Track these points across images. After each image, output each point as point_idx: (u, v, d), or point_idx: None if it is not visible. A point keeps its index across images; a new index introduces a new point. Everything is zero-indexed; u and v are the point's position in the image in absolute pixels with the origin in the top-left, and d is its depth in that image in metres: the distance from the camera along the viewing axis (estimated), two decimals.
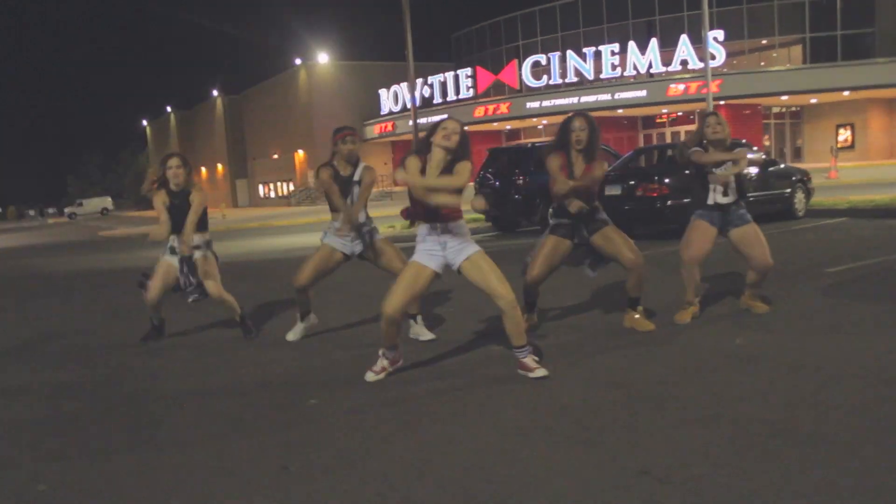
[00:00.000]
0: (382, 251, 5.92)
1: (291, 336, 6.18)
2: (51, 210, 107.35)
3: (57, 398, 4.98)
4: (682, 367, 4.63)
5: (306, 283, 5.90)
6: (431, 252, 4.63)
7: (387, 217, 18.61)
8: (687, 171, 6.31)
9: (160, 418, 4.36)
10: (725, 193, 5.83)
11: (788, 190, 13.42)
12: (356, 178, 5.88)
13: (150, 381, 5.26)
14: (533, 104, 38.32)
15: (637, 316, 5.70)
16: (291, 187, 52.12)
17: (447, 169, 4.55)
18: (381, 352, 4.78)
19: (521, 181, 15.10)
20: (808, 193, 13.96)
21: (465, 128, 4.67)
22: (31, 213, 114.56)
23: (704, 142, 5.85)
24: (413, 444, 3.62)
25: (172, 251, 6.28)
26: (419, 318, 5.97)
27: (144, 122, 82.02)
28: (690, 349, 5.06)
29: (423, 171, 4.54)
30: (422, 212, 4.58)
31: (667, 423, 3.65)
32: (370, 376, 4.74)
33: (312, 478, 3.31)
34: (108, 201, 79.48)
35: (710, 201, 5.86)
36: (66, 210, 78.40)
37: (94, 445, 3.95)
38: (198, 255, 6.23)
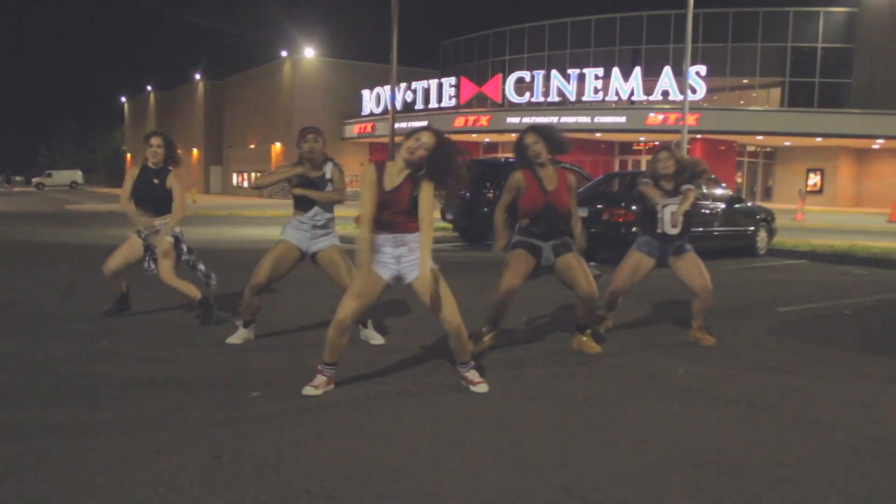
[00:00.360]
0: (333, 261, 5.71)
1: (234, 340, 5.80)
2: (18, 178, 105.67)
3: None
4: (621, 392, 4.71)
5: (264, 281, 5.64)
6: (386, 263, 4.50)
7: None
8: (633, 206, 6.42)
9: (98, 398, 4.34)
10: (674, 225, 6.02)
11: (752, 228, 13.67)
12: (327, 176, 5.69)
13: (94, 362, 5.23)
14: (513, 119, 38.53)
15: (585, 339, 5.74)
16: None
17: (410, 182, 4.39)
18: (320, 367, 4.55)
19: (491, 195, 15.19)
20: (771, 233, 14.22)
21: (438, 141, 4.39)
22: None
23: (656, 176, 6.14)
24: (345, 446, 3.64)
25: (138, 232, 6.42)
26: (370, 322, 5.95)
27: (123, 99, 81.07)
28: (633, 374, 5.14)
29: (378, 182, 4.39)
30: (379, 221, 4.44)
31: (598, 445, 3.71)
32: (308, 390, 4.46)
33: (242, 468, 3.32)
34: (77, 175, 78.42)
35: (659, 230, 6.08)
36: (35, 180, 77.21)
37: (25, 419, 3.93)
38: (159, 237, 6.39)
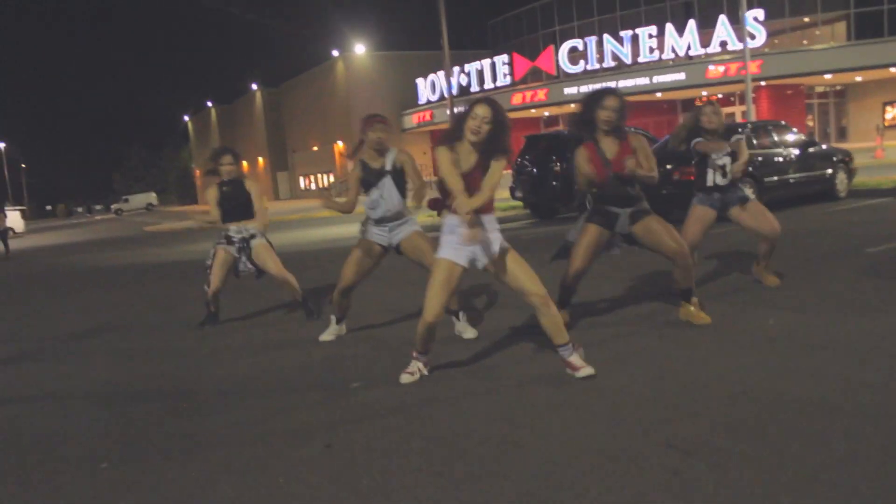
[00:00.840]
0: (417, 246, 5.70)
1: (326, 337, 6.00)
2: (98, 206, 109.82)
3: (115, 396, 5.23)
4: (716, 348, 4.70)
5: (350, 283, 5.76)
6: (459, 246, 4.36)
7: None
8: (693, 161, 6.35)
9: (212, 403, 4.58)
10: (724, 175, 6.13)
11: (830, 171, 13.27)
12: (388, 167, 5.64)
13: (202, 366, 5.50)
14: (571, 90, 38.02)
15: (692, 308, 5.42)
16: (332, 178, 52.59)
17: (482, 161, 4.32)
18: (414, 354, 4.62)
19: (558, 167, 15.13)
20: (850, 174, 13.77)
21: (494, 112, 4.27)
22: (80, 209, 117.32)
23: (702, 131, 6.20)
24: (446, 429, 3.76)
25: (229, 240, 6.83)
26: (461, 314, 5.80)
27: (186, 118, 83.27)
28: (729, 329, 5.12)
29: (455, 163, 4.30)
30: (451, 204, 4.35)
31: (697, 400, 3.74)
32: (405, 378, 4.53)
33: (353, 455, 3.47)
34: (152, 196, 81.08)
35: (709, 183, 6.19)
36: (113, 206, 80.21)
37: (148, 424, 4.18)
38: (255, 242, 6.85)
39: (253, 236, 6.85)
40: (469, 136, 4.29)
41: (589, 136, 5.30)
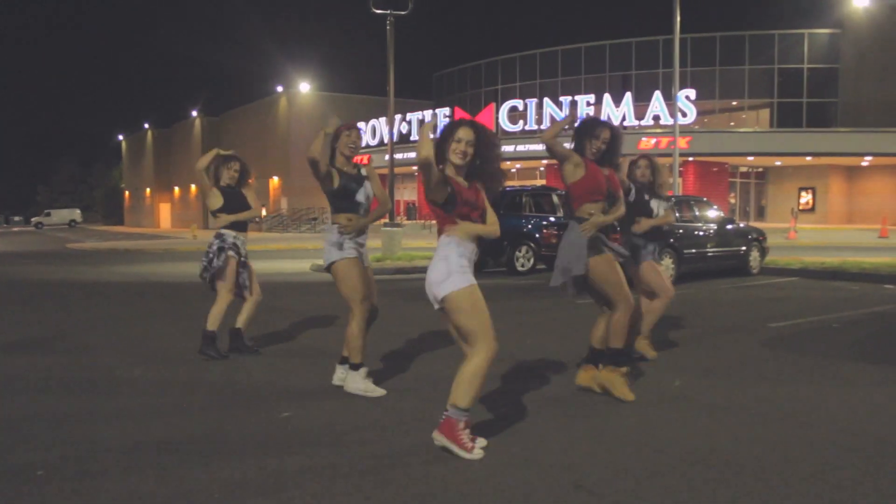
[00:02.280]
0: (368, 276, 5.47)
1: (377, 392, 5.28)
2: (17, 218, 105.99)
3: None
4: (622, 403, 5.06)
5: (368, 309, 5.40)
6: (468, 270, 4.06)
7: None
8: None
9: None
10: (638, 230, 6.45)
11: (744, 248, 14.11)
12: (363, 172, 5.51)
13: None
14: (508, 147, 39.02)
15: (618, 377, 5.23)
16: (264, 213, 52.30)
17: (472, 183, 4.11)
18: (464, 419, 3.97)
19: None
20: (763, 252, 14.64)
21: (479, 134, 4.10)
22: None
23: (631, 185, 6.42)
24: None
25: (236, 249, 6.73)
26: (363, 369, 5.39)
27: (120, 137, 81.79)
28: (635, 387, 5.50)
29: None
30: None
31: (603, 448, 4.07)
32: (478, 453, 3.95)
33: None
34: (76, 213, 78.86)
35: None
36: (33, 220, 77.65)
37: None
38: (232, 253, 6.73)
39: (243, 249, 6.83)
40: (455, 160, 4.07)
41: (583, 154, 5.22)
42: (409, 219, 42.77)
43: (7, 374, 6.08)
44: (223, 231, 6.77)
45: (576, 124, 5.32)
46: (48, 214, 78.20)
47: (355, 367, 5.30)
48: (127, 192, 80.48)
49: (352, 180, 5.42)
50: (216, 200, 6.80)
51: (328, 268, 5.38)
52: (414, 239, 26.96)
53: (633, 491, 3.48)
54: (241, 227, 6.87)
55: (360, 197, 5.42)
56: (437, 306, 4.07)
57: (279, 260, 19.58)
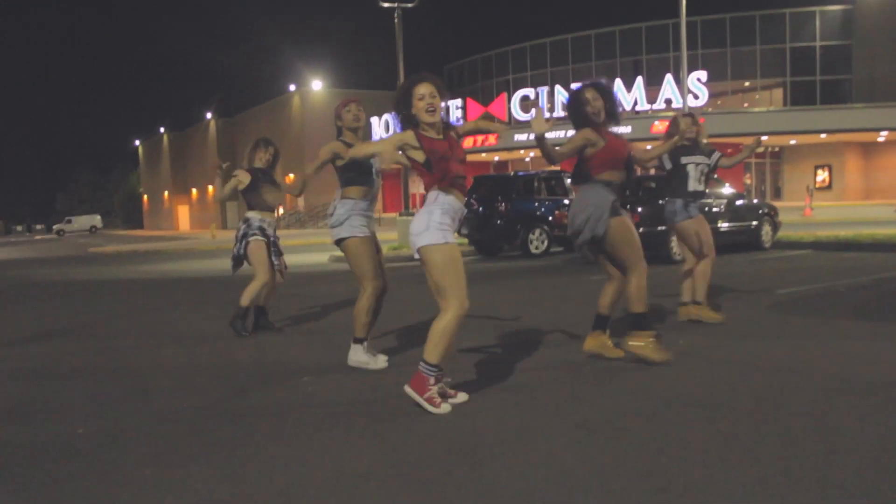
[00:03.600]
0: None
1: (380, 364, 5.40)
2: (38, 226, 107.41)
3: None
4: (634, 358, 5.26)
5: (379, 284, 5.47)
6: (448, 229, 4.15)
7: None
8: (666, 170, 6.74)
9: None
10: (699, 182, 6.65)
11: (755, 222, 14.20)
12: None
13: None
14: (521, 136, 39.17)
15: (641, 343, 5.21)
16: (281, 210, 52.77)
17: (449, 135, 4.28)
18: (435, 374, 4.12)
19: (503, 207, 15.83)
20: (775, 226, 14.72)
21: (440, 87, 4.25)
22: (19, 228, 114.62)
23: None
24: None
25: (263, 231, 6.96)
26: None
27: (137, 142, 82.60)
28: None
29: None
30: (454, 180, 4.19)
31: (609, 391, 4.29)
32: (445, 408, 4.10)
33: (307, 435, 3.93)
34: (96, 219, 79.73)
35: (690, 188, 6.66)
36: (55, 227, 78.62)
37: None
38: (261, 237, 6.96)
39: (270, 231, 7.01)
40: (426, 118, 4.17)
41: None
42: None
43: (34, 361, 6.37)
44: (249, 215, 7.01)
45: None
46: (69, 221, 79.16)
47: (358, 341, 5.40)
48: (145, 196, 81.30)
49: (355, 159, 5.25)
50: (244, 178, 6.97)
51: (338, 242, 5.43)
52: None
53: (629, 428, 3.69)
54: (267, 209, 7.05)
55: (372, 172, 5.44)
56: (416, 256, 4.20)
57: (299, 253, 19.88)
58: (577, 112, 5.20)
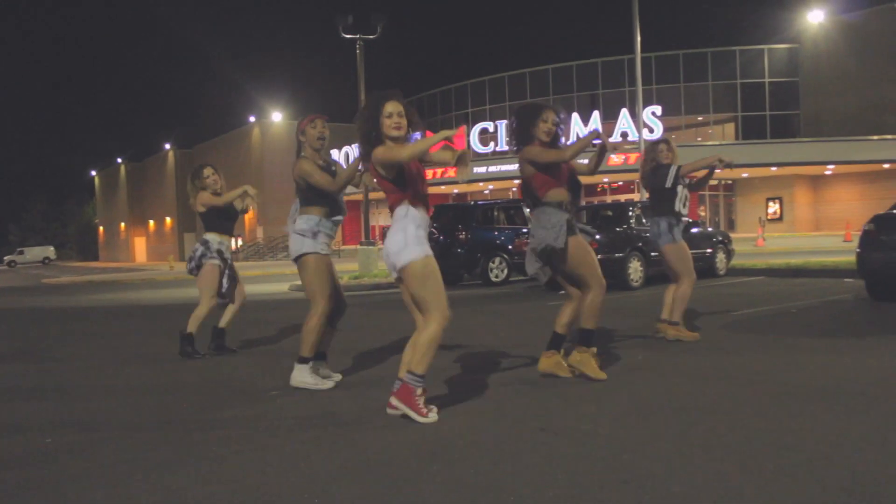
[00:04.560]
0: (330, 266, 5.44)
1: (327, 384, 5.30)
2: None
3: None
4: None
5: (330, 301, 5.38)
6: (423, 240, 4.27)
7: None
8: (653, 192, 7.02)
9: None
10: (684, 205, 6.87)
11: (710, 250, 14.57)
12: (333, 168, 5.46)
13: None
14: (480, 169, 39.67)
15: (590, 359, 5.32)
16: (240, 242, 52.39)
17: None
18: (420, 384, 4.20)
19: (463, 236, 16.03)
20: (729, 254, 15.12)
21: (405, 105, 4.36)
22: None
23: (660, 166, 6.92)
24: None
25: (220, 255, 6.90)
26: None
27: (93, 173, 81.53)
28: (604, 361, 5.86)
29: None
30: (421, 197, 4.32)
31: (565, 400, 4.43)
32: (433, 417, 4.16)
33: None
34: (50, 250, 78.18)
35: (677, 208, 6.87)
36: (6, 258, 76.86)
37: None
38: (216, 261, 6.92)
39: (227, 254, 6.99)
40: (392, 133, 4.25)
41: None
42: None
43: None
44: (208, 237, 6.97)
45: (596, 140, 5.19)
46: (21, 253, 77.46)
47: (304, 361, 5.25)
48: (101, 228, 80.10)
49: (331, 172, 5.34)
50: (252, 190, 6.94)
51: (297, 258, 5.31)
52: None
53: (592, 431, 3.85)
54: (227, 231, 7.05)
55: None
56: (394, 275, 4.27)
57: (259, 283, 19.83)
58: (528, 123, 5.20)
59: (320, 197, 5.32)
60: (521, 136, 5.25)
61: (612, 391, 4.79)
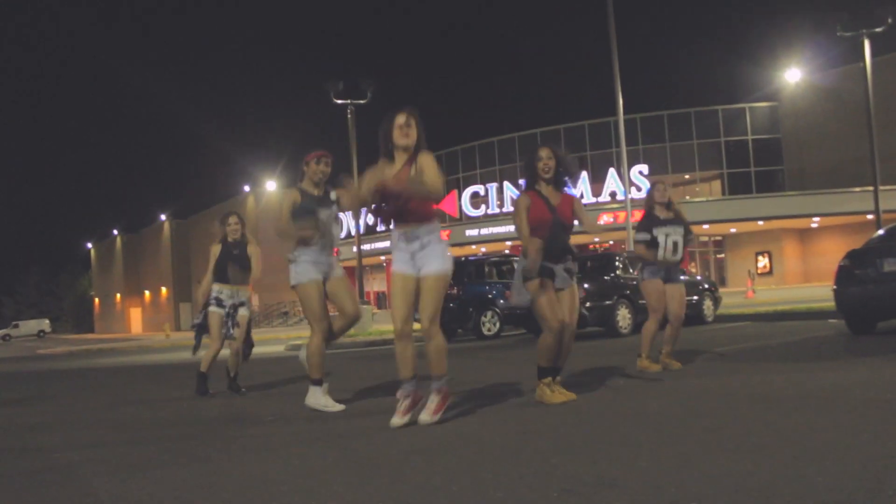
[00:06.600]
0: (346, 285, 5.76)
1: (336, 406, 5.54)
2: None
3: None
4: (586, 402, 5.68)
5: (325, 321, 5.62)
6: (405, 261, 4.68)
7: None
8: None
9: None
10: (674, 252, 7.06)
11: (696, 297, 14.90)
12: (333, 197, 5.74)
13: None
14: (472, 232, 40.25)
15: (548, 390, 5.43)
16: None
17: (411, 160, 4.71)
18: (398, 394, 4.69)
19: (455, 291, 16.33)
20: (716, 301, 15.46)
21: (416, 118, 4.73)
22: None
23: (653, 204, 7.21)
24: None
25: (220, 303, 7.25)
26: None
27: (89, 245, 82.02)
28: (594, 388, 6.13)
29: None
30: (386, 211, 4.70)
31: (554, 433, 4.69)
32: (396, 421, 4.56)
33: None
34: (45, 323, 77.93)
35: (659, 257, 7.03)
36: (1, 332, 76.61)
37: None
38: (241, 311, 7.31)
39: (242, 304, 7.31)
40: (400, 141, 4.72)
41: (531, 186, 5.54)
42: (379, 308, 43.27)
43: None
44: (212, 286, 7.35)
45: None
46: (16, 326, 77.23)
47: (316, 383, 5.53)
48: (97, 299, 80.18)
49: (314, 202, 5.62)
50: (210, 263, 7.38)
51: (294, 288, 5.62)
52: (387, 323, 27.45)
53: (571, 432, 4.13)
54: (225, 280, 7.30)
55: (324, 215, 5.61)
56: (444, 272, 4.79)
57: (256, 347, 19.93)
58: (528, 166, 5.57)
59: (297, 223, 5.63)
60: (527, 177, 5.63)
61: (591, 406, 5.05)
